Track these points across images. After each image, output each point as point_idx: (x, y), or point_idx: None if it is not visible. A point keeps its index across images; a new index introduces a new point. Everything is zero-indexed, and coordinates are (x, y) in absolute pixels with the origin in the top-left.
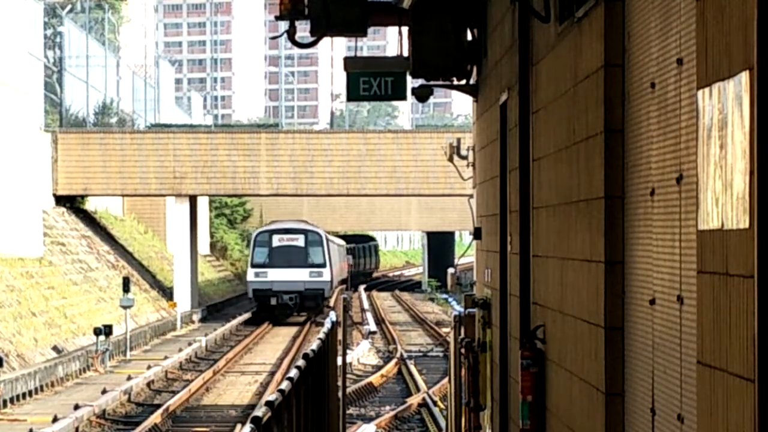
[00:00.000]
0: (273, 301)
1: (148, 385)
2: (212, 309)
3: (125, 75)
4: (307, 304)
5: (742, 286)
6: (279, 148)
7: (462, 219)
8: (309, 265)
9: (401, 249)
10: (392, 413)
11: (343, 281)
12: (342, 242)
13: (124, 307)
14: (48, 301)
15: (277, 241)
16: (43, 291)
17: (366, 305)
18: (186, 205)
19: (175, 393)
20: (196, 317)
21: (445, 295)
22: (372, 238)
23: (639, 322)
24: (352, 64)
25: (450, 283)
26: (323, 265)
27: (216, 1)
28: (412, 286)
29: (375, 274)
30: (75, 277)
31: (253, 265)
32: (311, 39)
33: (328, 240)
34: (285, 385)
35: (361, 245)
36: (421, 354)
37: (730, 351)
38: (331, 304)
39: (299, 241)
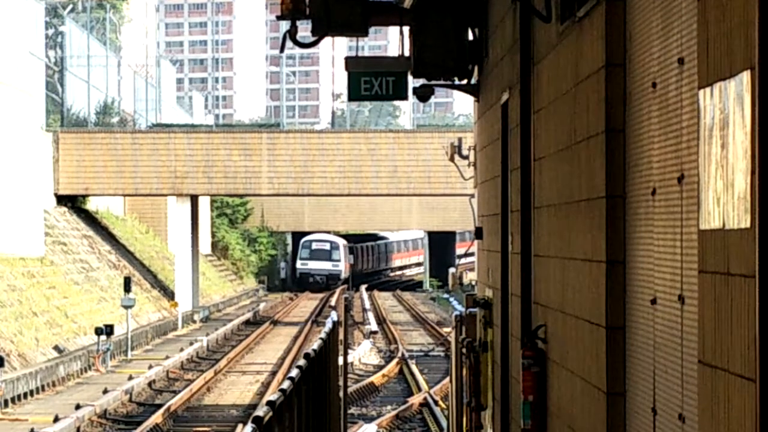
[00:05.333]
0: (311, 280)
1: (150, 384)
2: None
3: (126, 75)
4: (330, 282)
5: (743, 285)
6: (280, 147)
7: (463, 218)
8: (331, 260)
9: None
10: (393, 413)
11: (346, 278)
12: (345, 242)
13: (126, 307)
14: (49, 301)
15: (314, 245)
16: (45, 291)
17: (367, 305)
18: (187, 204)
19: (176, 393)
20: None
21: (446, 295)
22: (385, 238)
23: (640, 321)
24: (353, 63)
25: (451, 283)
26: (339, 261)
27: (217, 0)
28: (414, 285)
29: (390, 274)
30: (76, 276)
31: (300, 259)
32: (312, 39)
33: (342, 246)
34: (286, 384)
35: (375, 243)
36: (422, 354)
37: (732, 351)
38: (333, 303)
39: (326, 246)
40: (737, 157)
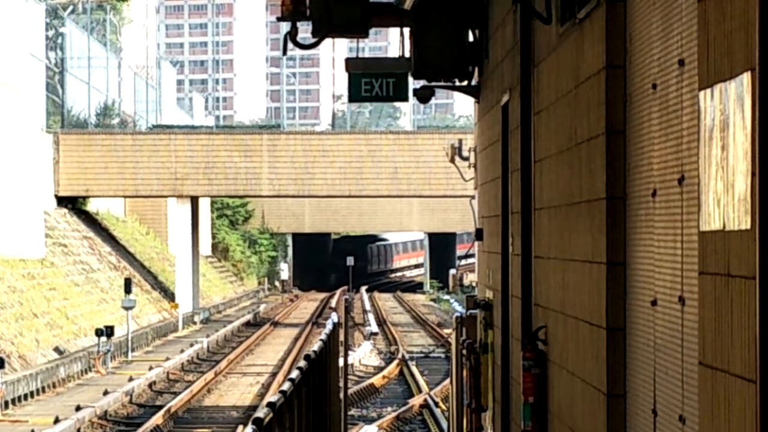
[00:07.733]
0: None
1: (150, 386)
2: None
3: (127, 76)
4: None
5: (743, 287)
6: (280, 149)
7: (463, 220)
8: (354, 256)
9: None
10: (394, 414)
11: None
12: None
13: (126, 308)
14: (50, 302)
15: (339, 245)
16: (45, 292)
17: (368, 306)
18: (187, 206)
19: (176, 394)
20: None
21: (447, 296)
22: (385, 239)
23: (641, 323)
24: (353, 65)
25: (452, 284)
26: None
27: (218, 2)
28: (414, 287)
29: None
30: (77, 278)
31: (327, 256)
32: (313, 40)
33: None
34: (286, 386)
35: (375, 245)
36: (422, 355)
37: (732, 352)
38: (333, 304)
39: (350, 246)
40: (737, 159)
